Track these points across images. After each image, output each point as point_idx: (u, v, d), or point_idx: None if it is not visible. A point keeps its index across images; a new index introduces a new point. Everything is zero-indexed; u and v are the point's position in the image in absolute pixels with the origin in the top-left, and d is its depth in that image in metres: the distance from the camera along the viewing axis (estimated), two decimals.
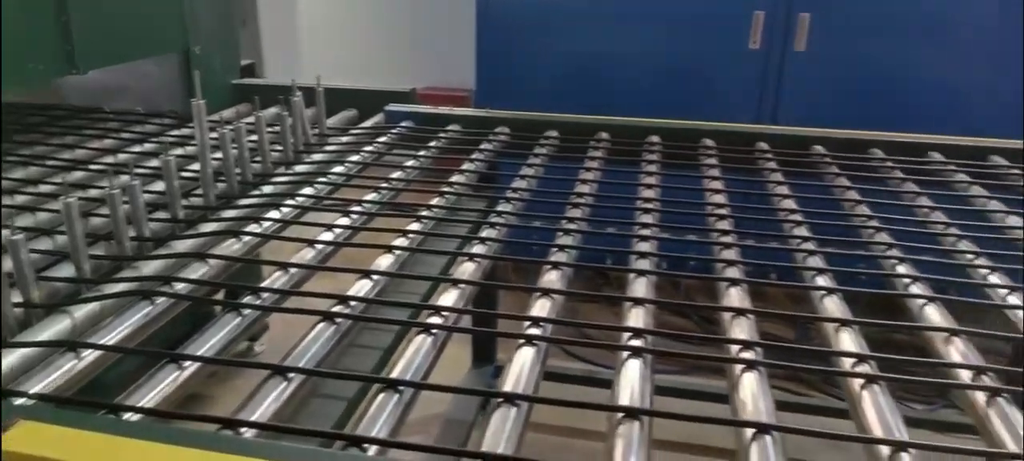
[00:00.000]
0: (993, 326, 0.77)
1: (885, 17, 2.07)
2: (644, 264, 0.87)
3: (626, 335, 0.72)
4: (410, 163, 1.20)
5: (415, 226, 0.97)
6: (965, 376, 0.68)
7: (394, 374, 0.64)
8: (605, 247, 0.97)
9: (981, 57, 2.10)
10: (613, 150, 1.33)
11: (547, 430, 1.39)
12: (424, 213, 1.00)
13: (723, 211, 1.04)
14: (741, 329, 0.73)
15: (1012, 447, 0.58)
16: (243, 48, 1.93)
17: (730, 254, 0.91)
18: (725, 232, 0.97)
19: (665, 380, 1.73)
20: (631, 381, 0.65)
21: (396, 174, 1.15)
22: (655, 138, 1.37)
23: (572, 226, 0.97)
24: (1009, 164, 1.28)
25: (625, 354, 0.68)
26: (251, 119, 1.19)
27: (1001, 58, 2.10)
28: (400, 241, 0.92)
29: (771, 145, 1.35)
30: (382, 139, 1.34)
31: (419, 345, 0.69)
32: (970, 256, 0.92)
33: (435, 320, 0.73)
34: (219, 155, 1.06)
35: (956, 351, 0.72)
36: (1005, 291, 0.84)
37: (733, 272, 0.87)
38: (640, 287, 0.82)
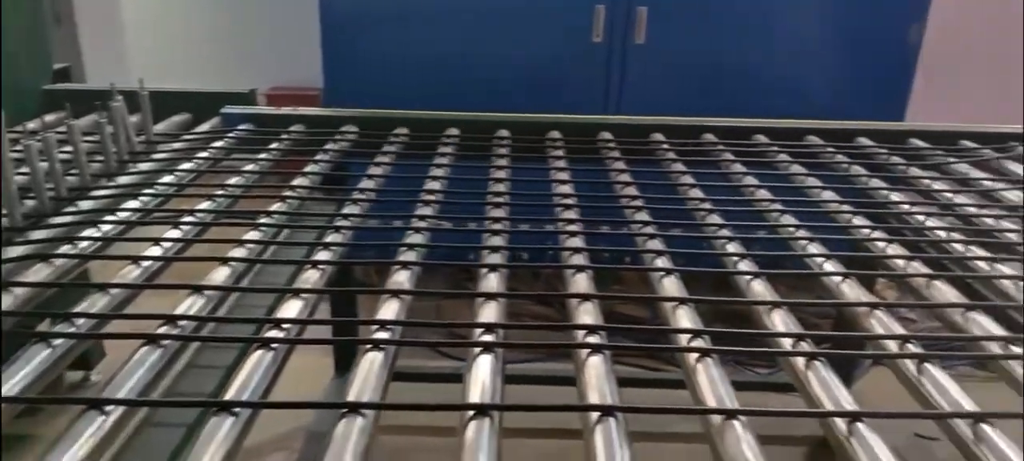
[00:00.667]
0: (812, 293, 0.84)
1: (715, 10, 2.22)
2: (495, 258, 0.88)
3: (478, 330, 0.71)
4: (250, 168, 1.14)
5: (255, 235, 0.92)
6: (787, 343, 0.73)
7: (229, 395, 0.60)
8: (456, 243, 0.96)
9: (801, 46, 2.30)
10: (463, 145, 1.33)
11: (411, 432, 1.37)
12: (264, 220, 0.95)
13: (570, 200, 1.07)
14: (588, 314, 0.75)
15: (827, 405, 0.64)
16: (58, 50, 1.75)
17: (577, 242, 0.93)
18: (572, 221, 1.00)
19: (527, 369, 1.74)
20: (482, 377, 0.64)
21: (234, 180, 1.09)
22: (504, 132, 1.39)
23: (422, 224, 0.96)
24: (824, 143, 1.40)
25: (477, 350, 0.68)
26: (64, 128, 1.09)
27: (818, 46, 2.31)
28: (238, 252, 0.87)
29: (614, 134, 1.40)
30: (218, 144, 1.26)
31: (257, 362, 0.65)
32: (791, 229, 1.00)
33: (276, 333, 0.70)
34: (26, 170, 0.96)
35: (779, 320, 0.77)
36: (821, 259, 0.91)
37: (580, 259, 0.89)
38: (493, 281, 0.83)
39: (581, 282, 0.83)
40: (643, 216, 1.03)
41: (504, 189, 1.10)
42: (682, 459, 0.60)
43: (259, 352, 0.67)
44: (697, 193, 1.13)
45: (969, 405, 0.62)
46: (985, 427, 0.59)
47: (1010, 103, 2.37)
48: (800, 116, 1.50)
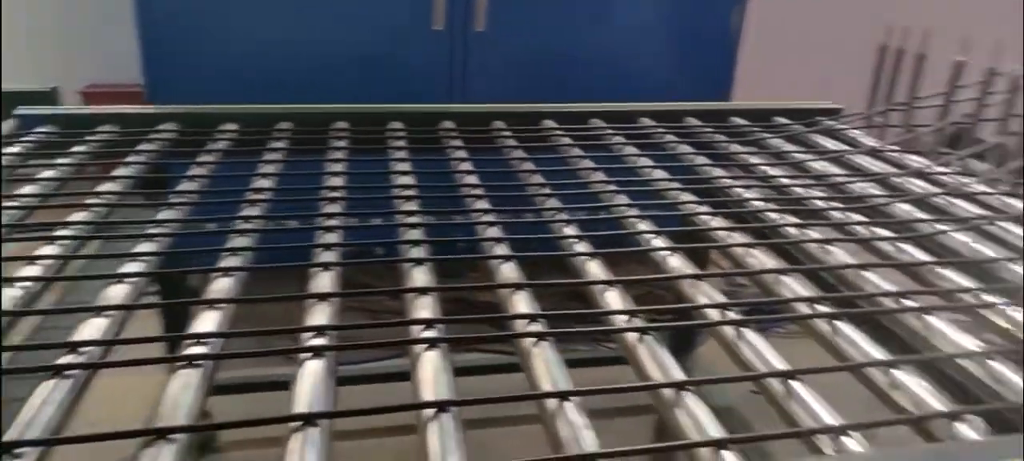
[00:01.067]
0: (648, 269, 0.87)
1: None
2: (329, 255, 0.84)
3: (308, 334, 0.68)
4: (48, 175, 1.02)
5: (53, 250, 0.82)
6: (621, 320, 0.75)
7: (12, 434, 0.53)
8: (289, 243, 0.91)
9: (636, 32, 2.39)
10: (297, 140, 1.27)
11: (250, 446, 1.30)
12: (61, 233, 0.85)
13: (411, 191, 1.05)
14: (424, 308, 0.74)
15: (658, 376, 0.66)
16: None
17: (416, 234, 0.91)
18: (411, 212, 0.97)
19: (368, 368, 1.66)
20: (309, 384, 0.61)
21: (28, 189, 0.97)
22: (342, 124, 1.34)
23: (248, 225, 0.90)
24: (655, 124, 1.46)
25: (304, 355, 0.65)
26: None
27: (652, 32, 2.42)
28: (30, 270, 0.77)
29: (456, 123, 1.39)
30: (13, 150, 1.12)
31: (49, 394, 0.58)
32: (623, 209, 1.03)
33: (74, 359, 0.62)
34: None
35: (614, 298, 0.79)
36: (651, 236, 0.95)
37: (419, 251, 0.87)
38: (325, 280, 0.79)
39: (420, 276, 0.81)
40: (483, 204, 1.02)
41: (341, 183, 1.06)
42: (531, 441, 0.60)
43: (52, 381, 0.60)
44: (537, 178, 1.14)
45: (780, 364, 0.66)
46: (794, 383, 0.64)
47: (823, 80, 2.58)
48: (636, 99, 1.55)
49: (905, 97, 1.35)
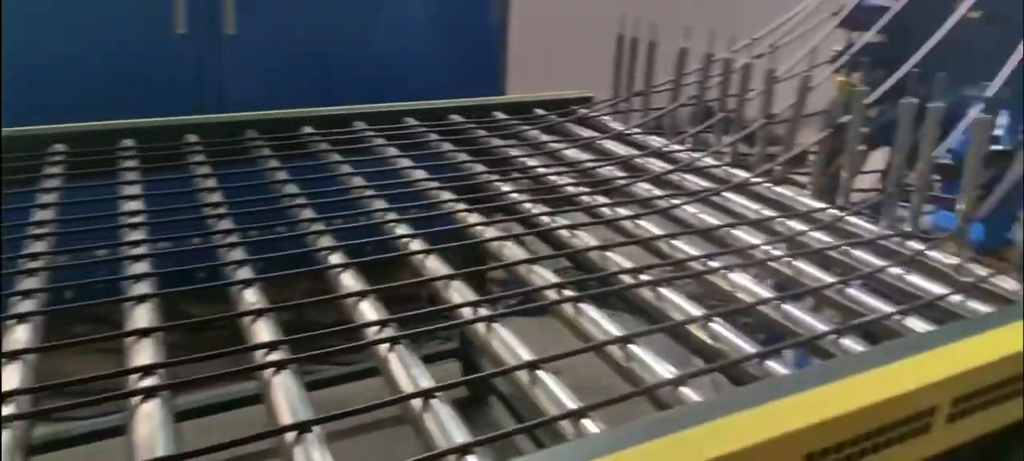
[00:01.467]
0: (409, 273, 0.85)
1: None
2: (27, 304, 0.72)
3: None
4: None
5: None
6: (372, 331, 0.72)
7: None
8: None
9: (400, 29, 2.35)
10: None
11: None
12: None
13: (138, 219, 0.93)
14: (145, 352, 0.65)
15: (407, 386, 0.63)
16: None
17: (141, 266, 0.81)
18: (138, 242, 0.87)
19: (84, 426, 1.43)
20: None
21: None
22: (59, 147, 1.17)
23: None
24: (419, 123, 1.44)
25: None
26: None
27: (417, 28, 2.39)
28: None
29: (201, 136, 1.27)
30: None
31: None
32: (383, 213, 1.00)
33: None
34: None
35: (368, 309, 0.76)
36: (408, 239, 0.93)
37: (144, 287, 0.77)
38: (21, 335, 0.68)
39: (143, 315, 0.72)
40: (226, 224, 0.94)
41: (51, 216, 0.93)
42: None
43: None
44: (292, 189, 1.08)
45: (526, 354, 0.67)
46: (540, 373, 0.65)
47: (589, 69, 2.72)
48: (406, 99, 1.52)
49: (643, 83, 1.45)
